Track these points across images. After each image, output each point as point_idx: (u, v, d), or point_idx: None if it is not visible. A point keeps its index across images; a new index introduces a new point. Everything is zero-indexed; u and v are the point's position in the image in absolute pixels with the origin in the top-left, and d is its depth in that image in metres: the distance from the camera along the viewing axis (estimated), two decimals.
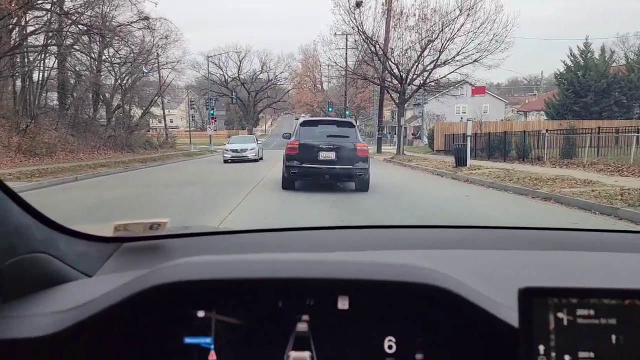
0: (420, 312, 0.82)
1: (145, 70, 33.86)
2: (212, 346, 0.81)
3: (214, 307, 0.82)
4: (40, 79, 27.54)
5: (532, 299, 0.67)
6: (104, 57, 33.52)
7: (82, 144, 27.46)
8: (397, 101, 26.32)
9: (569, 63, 37.11)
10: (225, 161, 22.76)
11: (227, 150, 23.49)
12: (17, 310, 0.84)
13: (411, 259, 0.88)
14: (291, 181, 10.59)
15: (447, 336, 0.82)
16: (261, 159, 24.59)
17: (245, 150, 23.13)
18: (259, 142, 25.47)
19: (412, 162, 21.19)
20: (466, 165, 16.16)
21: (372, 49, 25.05)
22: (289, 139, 11.15)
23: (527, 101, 71.91)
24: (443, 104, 52.27)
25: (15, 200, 0.89)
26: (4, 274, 0.84)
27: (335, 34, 33.08)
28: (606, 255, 1.25)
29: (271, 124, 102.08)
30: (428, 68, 24.82)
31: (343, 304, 0.82)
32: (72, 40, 28.72)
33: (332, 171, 10.20)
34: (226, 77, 66.33)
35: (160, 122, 61.42)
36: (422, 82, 25.08)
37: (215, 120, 62.12)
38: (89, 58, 31.59)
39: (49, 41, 26.35)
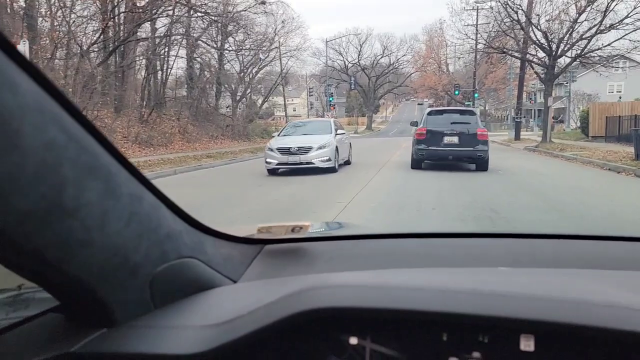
0: None
1: (262, 57, 33.03)
2: None
3: (368, 333, 0.75)
4: (165, 68, 28.09)
5: None
6: (227, 46, 33.73)
7: (201, 133, 27.52)
8: (542, 77, 21.88)
9: None
10: (271, 172, 11.82)
11: (271, 151, 11.93)
12: (167, 320, 0.83)
13: (604, 286, 0.75)
14: (419, 162, 11.98)
15: None
16: (347, 163, 13.63)
17: (307, 149, 11.63)
18: (339, 132, 13.09)
19: (566, 152, 17.02)
20: None
21: (514, 16, 20.93)
22: (417, 126, 12.58)
23: None
24: (595, 82, 44.75)
25: (167, 205, 0.86)
26: (155, 281, 0.83)
27: (465, 8, 29.19)
28: None
29: (392, 111, 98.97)
30: (586, 36, 20.02)
31: (527, 344, 0.68)
32: (199, 31, 29.15)
33: (455, 153, 11.58)
34: (346, 63, 64.87)
35: (283, 111, 62.40)
36: (578, 53, 20.30)
37: (335, 108, 61.05)
38: (212, 48, 31.92)
39: (172, 30, 26.65)
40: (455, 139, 11.51)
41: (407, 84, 67.48)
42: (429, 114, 12.55)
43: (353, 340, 0.75)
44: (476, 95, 46.38)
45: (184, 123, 26.78)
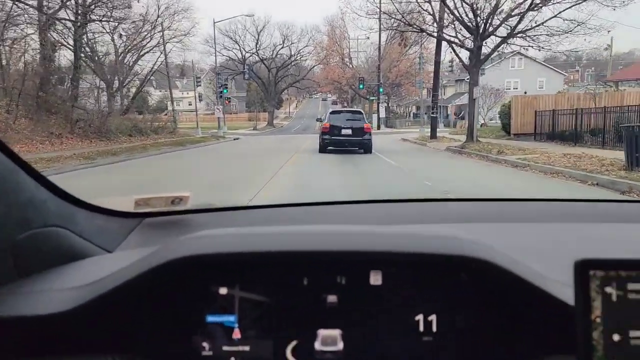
0: (463, 288, 0.76)
1: (123, 33, 26.45)
2: (236, 325, 0.77)
3: (237, 283, 0.77)
4: None
5: (589, 272, 0.60)
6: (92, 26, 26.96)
7: (37, 130, 20.58)
8: (466, 63, 18.20)
9: None
10: None
11: None
12: (33, 286, 0.80)
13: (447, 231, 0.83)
14: (324, 147, 16.22)
15: (492, 314, 0.76)
16: None
17: None
18: None
19: (507, 156, 13.11)
20: None
21: None
22: (321, 122, 18.82)
23: (570, 77, 66.25)
24: (499, 77, 43.60)
25: (29, 172, 0.84)
26: (19, 248, 0.80)
27: None
28: None
29: (296, 106, 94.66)
30: (517, 12, 16.52)
31: (376, 279, 0.76)
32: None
33: (349, 140, 16.01)
34: (243, 53, 58.91)
35: (178, 105, 55.68)
36: (509, 31, 16.74)
37: (229, 102, 54.90)
38: (67, 21, 25.03)
39: None
40: (349, 131, 15.80)
41: (310, 77, 63.20)
42: (331, 113, 17.28)
43: (223, 291, 0.76)
44: (381, 89, 43.53)
45: (12, 116, 19.76)
